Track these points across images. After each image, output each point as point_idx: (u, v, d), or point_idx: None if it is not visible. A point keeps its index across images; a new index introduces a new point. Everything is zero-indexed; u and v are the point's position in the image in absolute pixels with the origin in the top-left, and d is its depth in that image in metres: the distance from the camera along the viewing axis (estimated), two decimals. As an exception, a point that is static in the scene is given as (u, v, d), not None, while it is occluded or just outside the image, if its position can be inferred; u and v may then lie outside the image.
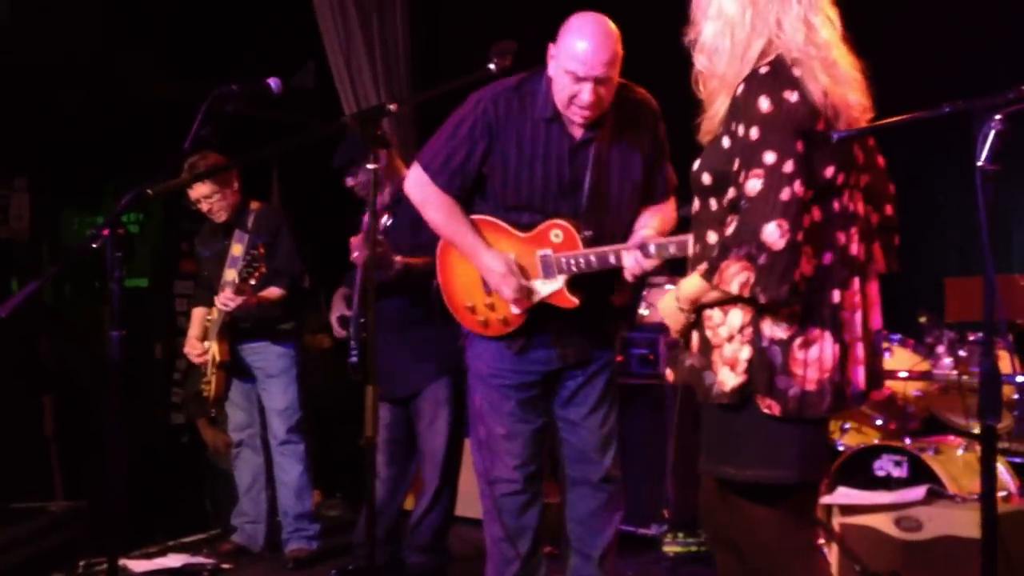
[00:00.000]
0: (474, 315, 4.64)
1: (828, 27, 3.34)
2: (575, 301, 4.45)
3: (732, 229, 3.23)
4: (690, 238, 3.54)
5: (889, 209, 3.56)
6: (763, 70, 3.27)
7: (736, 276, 3.20)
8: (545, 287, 4.49)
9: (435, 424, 5.79)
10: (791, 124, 3.20)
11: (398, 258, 5.44)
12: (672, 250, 4.13)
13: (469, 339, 4.75)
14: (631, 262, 4.22)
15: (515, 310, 4.52)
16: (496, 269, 4.47)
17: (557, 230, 4.45)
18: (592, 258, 4.37)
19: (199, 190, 6.45)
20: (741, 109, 3.26)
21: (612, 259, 4.32)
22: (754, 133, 3.21)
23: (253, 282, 6.16)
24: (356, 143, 5.73)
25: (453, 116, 4.57)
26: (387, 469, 5.90)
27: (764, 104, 3.21)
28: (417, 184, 4.61)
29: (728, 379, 3.30)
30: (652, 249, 4.19)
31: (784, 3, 3.30)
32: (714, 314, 3.34)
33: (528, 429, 4.67)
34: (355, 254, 5.50)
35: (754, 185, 3.18)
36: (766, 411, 3.28)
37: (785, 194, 3.15)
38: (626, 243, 4.34)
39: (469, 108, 4.52)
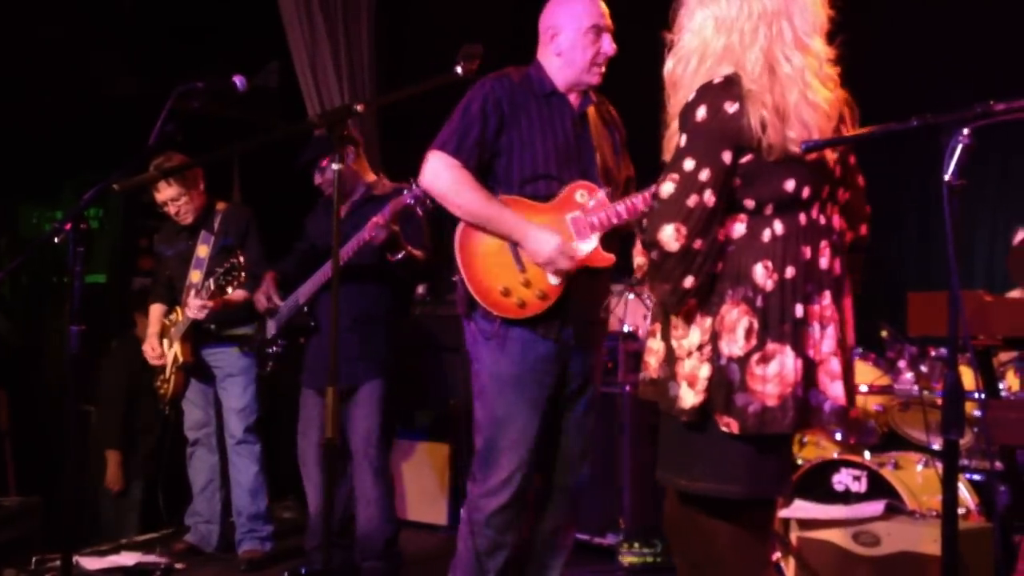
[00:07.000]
0: (509, 298, 4.44)
1: (798, 61, 3.28)
2: (611, 257, 4.44)
3: (645, 222, 3.30)
4: None
5: (863, 229, 3.55)
6: (717, 80, 3.26)
7: (636, 258, 3.43)
8: (583, 249, 4.42)
9: (367, 423, 5.73)
10: (721, 135, 3.21)
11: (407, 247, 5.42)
12: None
13: (497, 338, 4.51)
14: None
15: (553, 281, 4.40)
16: (551, 243, 4.35)
17: (581, 190, 4.45)
18: (621, 208, 4.35)
19: (166, 192, 6.38)
20: (684, 117, 3.28)
21: (643, 207, 4.19)
22: (683, 140, 3.25)
23: (231, 290, 6.11)
24: (322, 141, 5.71)
25: (459, 106, 4.54)
26: (323, 473, 5.71)
27: (700, 113, 3.23)
28: (439, 171, 4.48)
29: (687, 397, 3.29)
30: None
31: (752, 34, 3.28)
32: (680, 324, 3.33)
33: (533, 439, 4.50)
34: (373, 233, 5.34)
35: (667, 188, 3.23)
36: (724, 429, 3.26)
37: (692, 200, 3.19)
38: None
39: (476, 91, 4.52)
